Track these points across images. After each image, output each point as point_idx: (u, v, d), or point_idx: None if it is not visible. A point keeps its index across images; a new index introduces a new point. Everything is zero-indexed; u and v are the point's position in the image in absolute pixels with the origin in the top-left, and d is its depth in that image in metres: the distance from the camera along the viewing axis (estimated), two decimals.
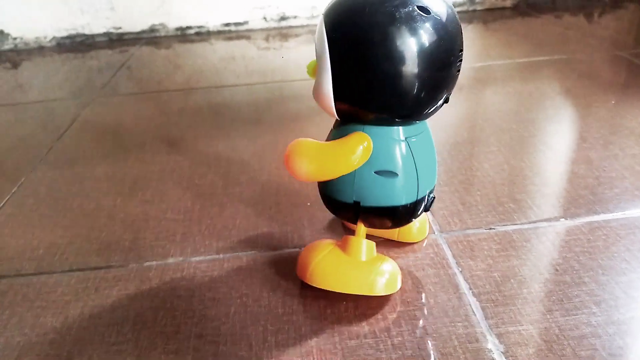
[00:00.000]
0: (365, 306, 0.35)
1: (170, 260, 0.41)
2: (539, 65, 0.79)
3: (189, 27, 1.09)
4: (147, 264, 0.40)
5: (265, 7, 1.07)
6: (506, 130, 0.59)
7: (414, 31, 0.28)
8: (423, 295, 0.36)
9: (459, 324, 0.33)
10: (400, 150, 0.31)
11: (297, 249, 0.41)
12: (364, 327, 0.33)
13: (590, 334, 0.32)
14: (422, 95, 0.29)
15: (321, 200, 0.35)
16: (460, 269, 0.38)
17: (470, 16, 1.08)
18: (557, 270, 0.37)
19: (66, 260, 0.42)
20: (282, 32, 1.08)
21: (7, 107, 0.80)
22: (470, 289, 0.36)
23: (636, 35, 0.97)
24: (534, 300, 0.35)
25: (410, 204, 0.32)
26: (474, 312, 0.34)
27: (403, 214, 0.33)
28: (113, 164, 0.57)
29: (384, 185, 0.31)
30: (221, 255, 0.41)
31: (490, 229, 0.42)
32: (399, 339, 0.32)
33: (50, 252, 0.43)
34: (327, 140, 0.34)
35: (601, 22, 1.04)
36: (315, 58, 0.33)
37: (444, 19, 0.29)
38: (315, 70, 0.33)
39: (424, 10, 0.28)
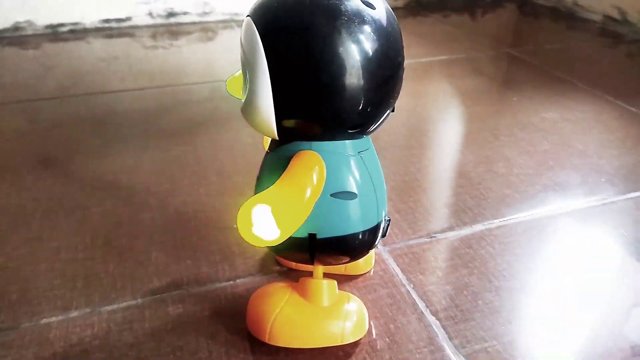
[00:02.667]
0: None
1: (74, 313, 0.33)
2: (434, 65, 0.81)
3: (61, 24, 0.95)
4: (45, 321, 0.32)
5: (151, 2, 0.97)
6: (416, 133, 0.59)
7: (363, 26, 0.25)
8: (381, 320, 0.33)
9: (425, 349, 0.31)
10: (355, 166, 0.28)
11: (231, 282, 0.36)
12: None
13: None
14: (376, 99, 0.26)
15: None
16: (412, 286, 0.36)
17: None
18: (504, 276, 0.37)
19: None
20: (170, 30, 0.99)
21: None
22: (427, 307, 0.34)
23: (515, 31, 1.04)
24: (492, 312, 0.33)
25: (371, 228, 0.29)
26: (436, 333, 0.32)
27: (363, 243, 0.29)
28: None
29: (342, 210, 0.27)
30: (139, 300, 0.34)
31: (432, 237, 0.41)
32: None
33: None
34: (263, 167, 0.29)
35: (484, 21, 1.10)
36: (238, 71, 0.29)
37: (388, 15, 0.26)
38: (240, 86, 0.28)
39: (369, 5, 0.25)
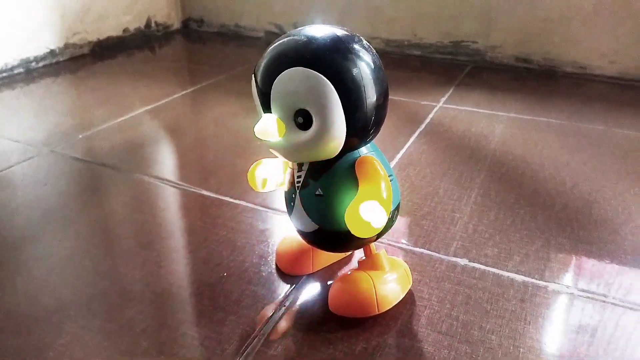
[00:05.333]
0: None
1: None
2: (180, 100, 0.87)
3: None
4: None
5: None
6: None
7: (376, 55, 0.35)
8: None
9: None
10: (382, 157, 0.37)
11: (284, 309, 0.39)
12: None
13: None
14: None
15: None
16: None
17: (56, 69, 1.00)
18: None
19: None
20: None
21: None
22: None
23: (190, 57, 1.17)
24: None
25: (399, 204, 0.39)
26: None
27: (395, 218, 0.38)
28: None
29: (396, 189, 0.37)
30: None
31: None
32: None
33: None
34: (330, 180, 0.35)
35: (164, 53, 1.19)
36: (268, 120, 0.33)
37: None
38: (280, 128, 0.33)
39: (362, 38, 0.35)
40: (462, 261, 0.44)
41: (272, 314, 0.38)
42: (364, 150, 0.36)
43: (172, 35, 1.29)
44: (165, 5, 1.25)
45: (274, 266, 0.43)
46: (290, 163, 0.38)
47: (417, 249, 0.46)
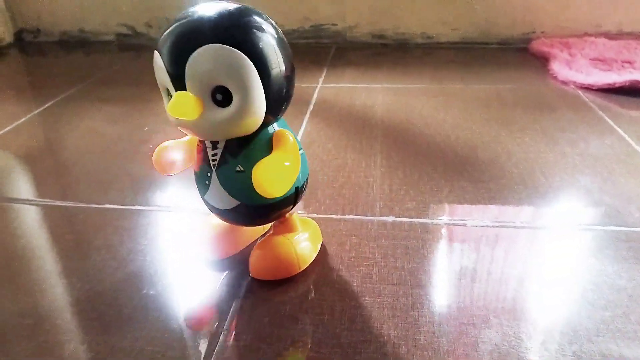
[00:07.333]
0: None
1: None
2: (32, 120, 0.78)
3: None
4: None
5: None
6: None
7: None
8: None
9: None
10: (293, 134, 0.37)
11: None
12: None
13: None
14: None
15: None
16: None
17: None
18: None
19: None
20: None
21: None
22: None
23: (31, 72, 1.05)
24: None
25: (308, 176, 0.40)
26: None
27: (305, 189, 0.40)
28: None
29: (304, 161, 0.38)
30: None
31: None
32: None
33: None
34: (252, 150, 0.35)
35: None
36: (189, 92, 0.32)
37: None
38: (197, 106, 0.32)
39: None
40: (390, 219, 0.47)
41: (225, 309, 0.37)
42: (276, 126, 0.36)
43: (5, 50, 1.13)
44: None
45: (208, 260, 0.42)
46: (199, 142, 0.37)
47: (347, 216, 0.47)
